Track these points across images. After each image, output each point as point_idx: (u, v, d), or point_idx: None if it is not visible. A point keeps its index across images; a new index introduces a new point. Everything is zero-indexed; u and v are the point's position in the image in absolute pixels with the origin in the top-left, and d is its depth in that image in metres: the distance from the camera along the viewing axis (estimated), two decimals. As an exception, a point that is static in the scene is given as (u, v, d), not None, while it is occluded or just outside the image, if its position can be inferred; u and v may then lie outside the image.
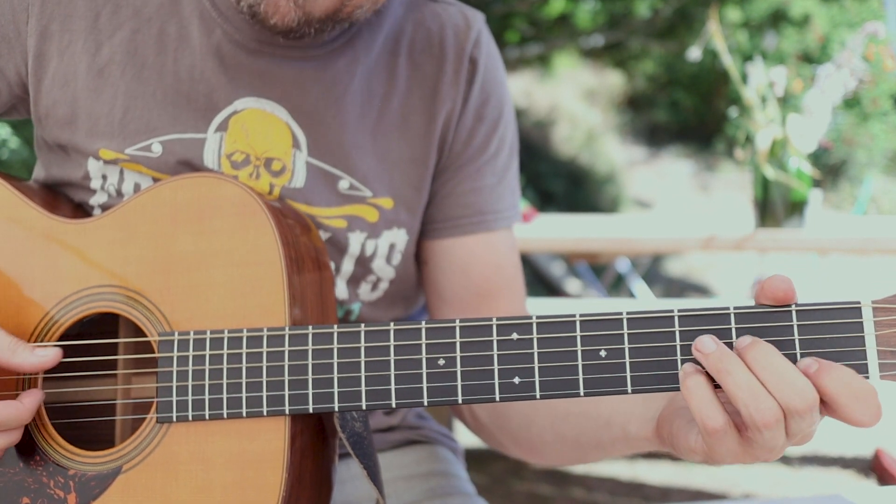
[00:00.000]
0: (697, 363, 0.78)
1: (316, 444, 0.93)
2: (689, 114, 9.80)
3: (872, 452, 3.51)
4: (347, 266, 1.11)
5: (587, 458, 1.05)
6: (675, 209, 8.42)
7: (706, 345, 0.77)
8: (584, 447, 1.02)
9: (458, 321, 0.83)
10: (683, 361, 0.79)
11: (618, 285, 5.86)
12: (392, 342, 0.84)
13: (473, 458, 2.80)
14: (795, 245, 2.78)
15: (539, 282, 6.60)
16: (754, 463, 0.80)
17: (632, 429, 0.93)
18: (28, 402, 0.87)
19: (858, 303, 0.76)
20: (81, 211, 1.07)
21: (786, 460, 3.57)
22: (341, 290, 1.11)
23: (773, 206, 2.70)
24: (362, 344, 0.85)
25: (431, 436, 1.26)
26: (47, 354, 0.87)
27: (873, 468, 3.44)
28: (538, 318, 0.82)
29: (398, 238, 1.12)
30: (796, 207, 2.69)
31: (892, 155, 8.55)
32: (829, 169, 8.37)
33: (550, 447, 1.07)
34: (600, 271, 5.90)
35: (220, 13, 1.04)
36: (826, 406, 0.76)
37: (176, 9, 1.04)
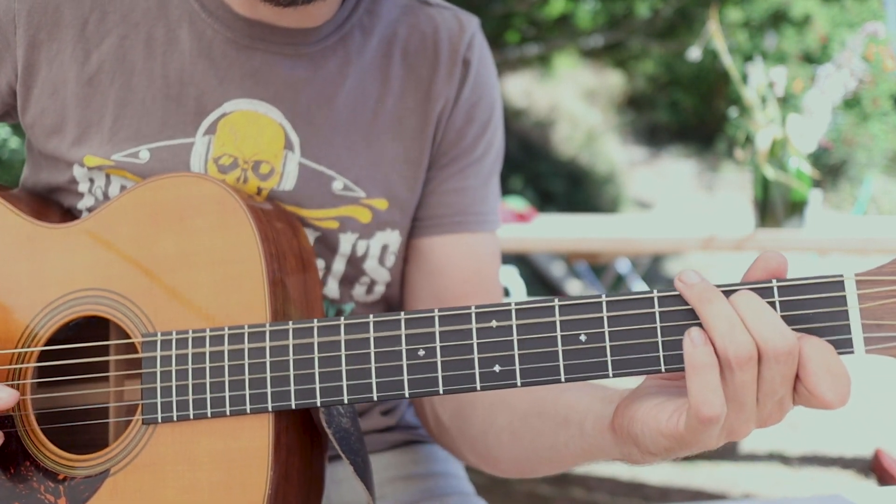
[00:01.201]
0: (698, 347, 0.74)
1: (303, 441, 0.92)
2: (690, 114, 9.80)
3: (872, 452, 3.50)
4: (338, 266, 1.10)
5: (540, 464, 1.00)
6: (676, 209, 8.42)
7: (690, 276, 0.75)
8: (538, 450, 0.98)
9: (436, 311, 0.82)
10: (664, 343, 0.77)
11: (618, 285, 5.86)
12: (372, 334, 0.84)
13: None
14: (795, 245, 2.78)
15: (539, 282, 6.60)
16: (723, 442, 0.77)
17: (587, 426, 0.89)
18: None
19: (841, 276, 0.75)
20: (70, 216, 1.07)
21: (785, 460, 3.57)
22: (333, 290, 1.11)
23: (773, 206, 2.69)
24: (342, 337, 0.84)
25: (430, 436, 1.25)
26: (2, 396, 0.86)
27: (873, 468, 3.44)
28: (517, 304, 0.81)
29: (391, 239, 1.12)
30: (796, 207, 2.68)
31: (892, 155, 8.54)
32: (829, 169, 8.36)
33: (505, 451, 1.02)
34: (600, 271, 5.90)
35: (209, 13, 1.04)
36: (797, 379, 0.73)
37: (163, 12, 1.04)
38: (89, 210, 1.06)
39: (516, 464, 1.02)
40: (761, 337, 0.72)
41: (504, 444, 1.02)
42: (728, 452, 3.63)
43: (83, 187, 1.06)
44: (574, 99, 9.76)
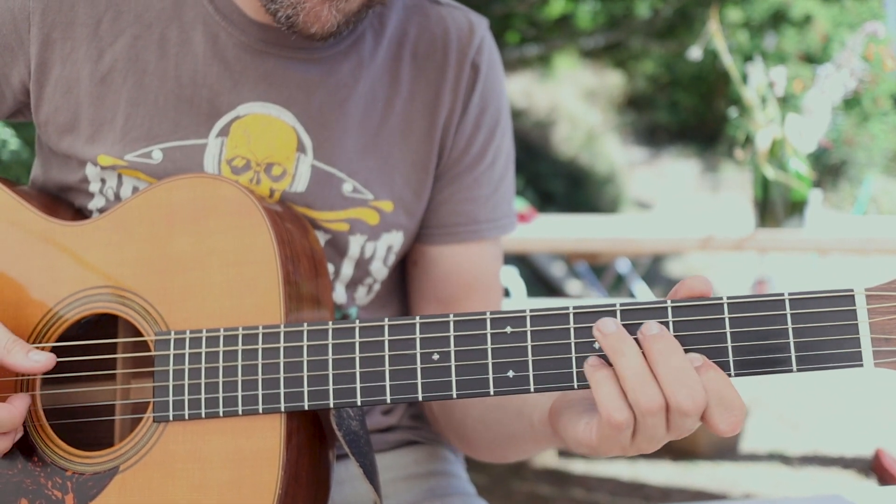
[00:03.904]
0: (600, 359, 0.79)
1: (312, 442, 0.93)
2: (690, 114, 9.79)
3: (872, 452, 3.51)
4: (347, 269, 1.11)
5: (507, 451, 1.06)
6: (676, 209, 8.41)
7: (607, 325, 0.78)
8: (502, 439, 1.03)
9: (452, 316, 0.83)
10: None
11: (618, 286, 5.86)
12: (386, 337, 0.85)
13: (473, 458, 2.79)
14: (795, 245, 2.78)
15: (539, 282, 6.60)
16: (635, 454, 0.81)
17: (535, 418, 0.94)
18: (18, 404, 0.88)
19: (852, 290, 0.76)
20: (81, 216, 1.07)
21: (786, 460, 3.58)
22: (339, 295, 1.12)
23: (773, 206, 2.70)
24: (357, 339, 0.85)
25: (431, 436, 1.26)
26: (40, 359, 0.87)
27: (873, 468, 3.44)
28: (532, 311, 0.82)
29: (395, 240, 1.13)
30: (796, 207, 2.69)
31: (892, 155, 8.54)
32: (829, 169, 8.36)
33: (481, 439, 1.08)
34: (600, 272, 5.90)
35: (223, 16, 1.04)
36: None
37: (177, 13, 1.04)
38: (100, 211, 1.07)
39: (489, 450, 1.09)
40: (672, 396, 0.75)
41: (479, 433, 1.08)
42: (728, 452, 3.63)
43: (94, 187, 1.06)
44: (574, 99, 9.75)
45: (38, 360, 0.87)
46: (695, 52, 3.00)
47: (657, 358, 0.76)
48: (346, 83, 1.08)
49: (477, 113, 1.14)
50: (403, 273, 1.22)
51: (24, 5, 1.02)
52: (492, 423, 1.04)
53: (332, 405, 0.85)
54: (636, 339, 0.78)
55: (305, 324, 0.87)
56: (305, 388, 0.86)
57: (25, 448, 0.92)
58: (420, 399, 0.84)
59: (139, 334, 0.94)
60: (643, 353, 0.77)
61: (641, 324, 0.79)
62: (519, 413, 0.98)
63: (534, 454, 1.04)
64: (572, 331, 0.81)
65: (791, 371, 0.77)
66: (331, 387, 0.85)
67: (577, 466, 3.50)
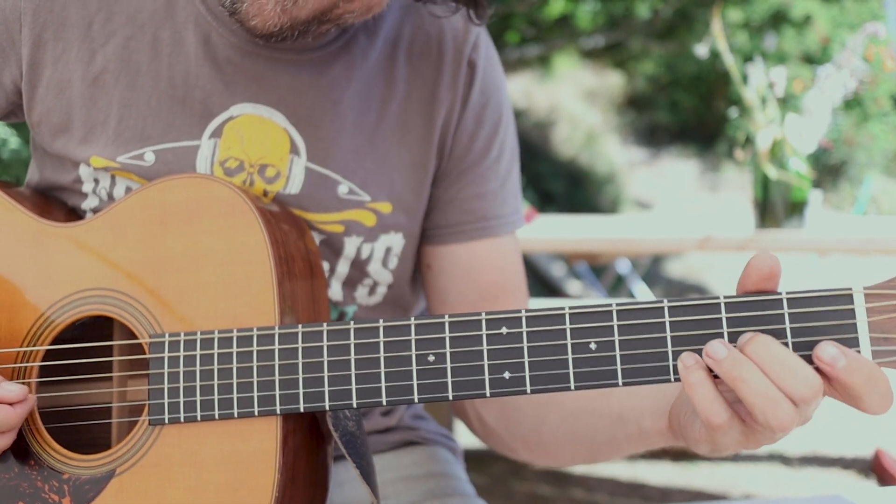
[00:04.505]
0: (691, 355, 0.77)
1: (309, 444, 0.92)
2: (690, 114, 9.79)
3: (872, 453, 3.50)
4: (342, 268, 1.10)
5: (599, 455, 1.04)
6: (676, 209, 8.41)
7: (717, 350, 0.74)
8: (597, 445, 1.02)
9: (447, 317, 0.83)
10: (674, 353, 0.78)
11: (618, 286, 5.86)
12: (381, 339, 0.84)
13: (473, 459, 2.79)
14: (796, 245, 2.78)
15: (539, 282, 6.60)
16: (757, 447, 0.80)
17: (646, 423, 0.93)
18: (18, 406, 0.87)
19: (850, 289, 0.76)
20: (74, 216, 1.07)
21: (786, 460, 3.57)
22: (336, 292, 1.11)
23: (774, 207, 2.70)
24: (352, 341, 0.85)
25: (430, 437, 1.26)
26: (12, 390, 0.86)
27: (873, 468, 3.44)
28: (527, 311, 0.81)
29: (394, 242, 1.12)
30: (796, 207, 2.69)
31: (892, 155, 8.54)
32: (829, 169, 8.37)
33: (562, 447, 1.07)
34: (600, 272, 5.91)
35: (214, 17, 1.04)
36: (836, 392, 0.75)
37: (170, 14, 1.04)
38: (93, 211, 1.06)
39: (573, 456, 1.08)
40: (793, 393, 0.73)
41: (559, 441, 1.06)
42: (728, 452, 3.63)
43: (87, 187, 1.06)
44: (574, 99, 9.75)
45: (11, 390, 0.85)
46: (701, 50, 3.00)
47: (762, 362, 0.73)
48: (338, 84, 1.07)
49: (478, 109, 1.14)
50: (409, 276, 1.21)
51: (15, 5, 1.02)
52: (579, 429, 1.02)
53: (327, 407, 0.85)
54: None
55: (300, 325, 0.86)
56: (301, 390, 0.85)
57: (22, 452, 0.91)
58: (416, 401, 0.83)
59: (134, 336, 0.94)
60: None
61: (643, 323, 0.78)
62: (621, 419, 0.96)
63: (630, 454, 1.03)
64: (568, 331, 0.80)
65: None
66: (326, 388, 0.85)
67: (577, 466, 3.50)
